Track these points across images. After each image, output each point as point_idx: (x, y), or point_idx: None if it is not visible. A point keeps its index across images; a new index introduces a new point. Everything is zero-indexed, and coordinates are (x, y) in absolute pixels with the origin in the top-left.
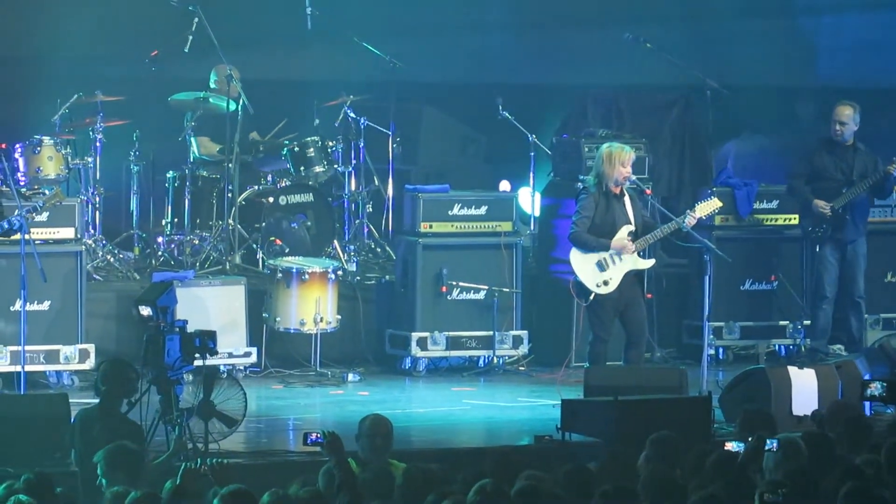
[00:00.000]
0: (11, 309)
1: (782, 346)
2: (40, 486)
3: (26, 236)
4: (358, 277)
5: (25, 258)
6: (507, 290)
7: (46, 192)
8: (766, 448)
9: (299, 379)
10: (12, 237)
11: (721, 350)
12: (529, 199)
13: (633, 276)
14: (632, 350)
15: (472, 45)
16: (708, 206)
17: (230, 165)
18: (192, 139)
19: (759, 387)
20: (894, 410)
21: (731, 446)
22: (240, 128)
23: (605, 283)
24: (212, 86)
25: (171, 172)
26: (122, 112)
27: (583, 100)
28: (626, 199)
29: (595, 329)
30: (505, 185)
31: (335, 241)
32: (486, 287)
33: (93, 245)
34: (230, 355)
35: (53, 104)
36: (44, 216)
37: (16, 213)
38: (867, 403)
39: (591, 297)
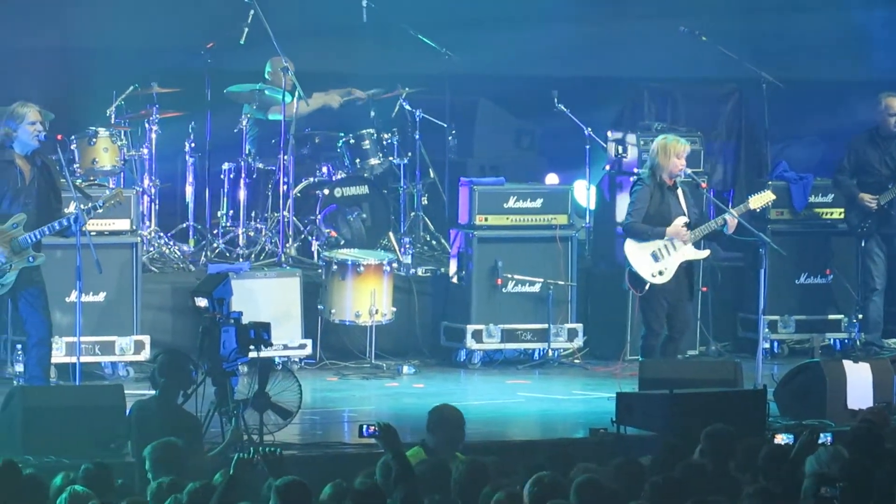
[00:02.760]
0: (67, 300)
1: (837, 340)
2: (99, 476)
3: (82, 228)
4: (413, 270)
5: (81, 250)
6: (562, 282)
7: (104, 185)
8: (820, 442)
9: (354, 371)
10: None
11: (776, 344)
12: (584, 192)
13: (684, 271)
14: (670, 345)
15: (527, 37)
16: (761, 199)
17: (285, 157)
18: (248, 130)
19: (814, 381)
20: None
21: (780, 439)
22: (295, 118)
23: (661, 272)
24: (267, 77)
25: (226, 164)
26: (177, 104)
27: (638, 93)
28: (680, 191)
29: (649, 322)
30: (552, 178)
31: (390, 234)
32: (542, 280)
33: (148, 236)
34: (285, 347)
35: (109, 96)
36: (101, 210)
37: (72, 209)
38: None
39: (647, 288)
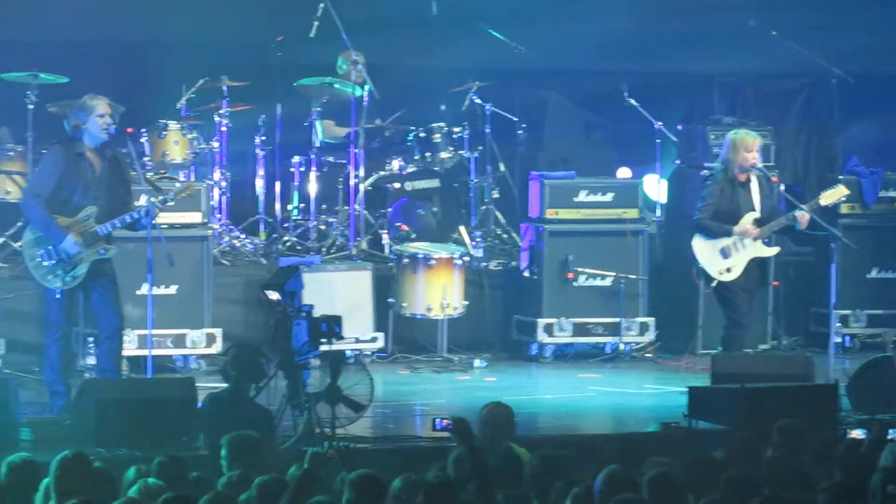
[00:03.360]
0: (138, 293)
1: None
2: (173, 469)
3: (153, 220)
4: (484, 263)
5: (152, 243)
6: (634, 276)
7: (175, 178)
8: (889, 437)
9: (426, 364)
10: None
11: (847, 338)
12: (655, 186)
13: (756, 266)
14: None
15: (597, 31)
16: (833, 195)
17: (356, 150)
18: (318, 124)
19: (886, 375)
20: None
21: (856, 434)
22: (365, 113)
23: (728, 270)
24: (338, 71)
25: (297, 157)
26: (247, 97)
27: (708, 87)
28: (753, 185)
29: (727, 312)
30: (624, 172)
31: (461, 227)
32: (613, 274)
33: (219, 229)
34: (357, 340)
35: (179, 89)
36: (171, 203)
37: (143, 202)
38: None
39: (714, 284)
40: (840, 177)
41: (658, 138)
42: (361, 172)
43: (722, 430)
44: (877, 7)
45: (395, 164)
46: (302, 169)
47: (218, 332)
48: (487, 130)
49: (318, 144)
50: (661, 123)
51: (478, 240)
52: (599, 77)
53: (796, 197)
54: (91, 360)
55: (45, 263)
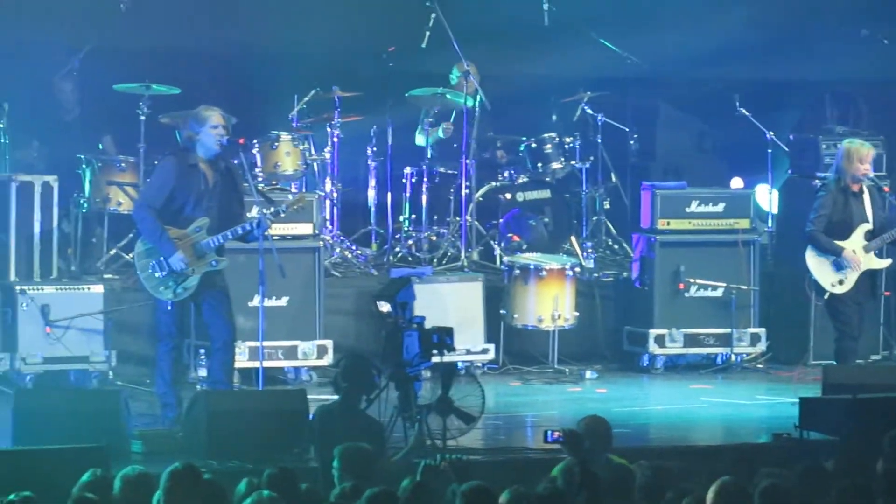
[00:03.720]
0: (249, 305)
1: None
2: (284, 481)
3: (265, 232)
4: (596, 274)
5: (264, 254)
6: (745, 287)
7: (286, 190)
8: None
9: (537, 376)
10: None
11: None
12: (767, 196)
13: (867, 277)
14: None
15: (709, 40)
16: None
17: (468, 161)
18: (427, 133)
19: None
20: None
21: None
22: (477, 124)
23: (840, 282)
24: (451, 81)
25: (408, 168)
26: (359, 107)
27: (820, 96)
28: (866, 196)
29: (838, 325)
30: (737, 182)
31: (572, 238)
32: (724, 284)
33: (331, 241)
34: (468, 352)
35: (291, 100)
36: (283, 215)
37: (255, 213)
38: None
39: (826, 296)
40: None
41: (769, 148)
42: (473, 183)
43: (833, 441)
44: None
45: (507, 174)
46: (413, 180)
47: (329, 343)
48: (599, 140)
49: (429, 156)
50: (772, 133)
51: (589, 250)
52: (711, 86)
53: None
54: (202, 372)
55: (156, 275)
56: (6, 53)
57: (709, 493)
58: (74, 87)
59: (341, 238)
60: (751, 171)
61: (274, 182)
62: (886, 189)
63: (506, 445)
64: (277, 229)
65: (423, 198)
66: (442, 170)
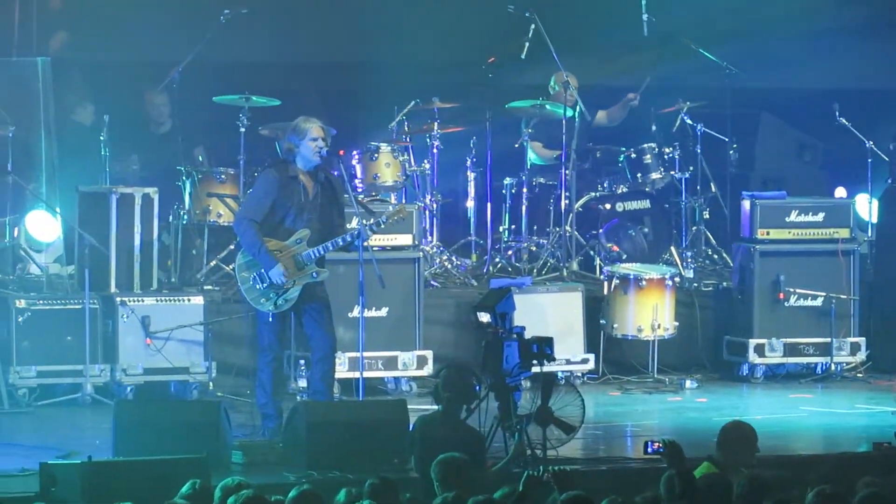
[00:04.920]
0: (350, 315)
1: None
2: (385, 491)
3: (365, 243)
4: (695, 284)
5: (364, 265)
6: (845, 296)
7: (386, 201)
8: None
9: (637, 385)
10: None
11: None
12: (867, 206)
13: None
14: None
15: (809, 49)
16: None
17: (567, 172)
18: (528, 145)
19: None
20: None
21: None
22: (576, 134)
23: None
24: (550, 92)
25: (507, 179)
26: (458, 118)
27: None
28: None
29: None
30: (841, 192)
31: (672, 248)
32: (824, 294)
33: (430, 251)
34: (568, 362)
35: (391, 111)
36: (384, 226)
37: (355, 225)
38: None
39: None
40: None
41: (869, 157)
42: (573, 193)
43: None
44: None
45: (606, 184)
46: (513, 190)
47: (429, 354)
48: (698, 151)
49: (529, 166)
50: (871, 142)
51: (689, 260)
52: (811, 96)
53: None
54: (303, 383)
55: (257, 287)
56: (106, 65)
57: (807, 501)
58: (167, 100)
59: (441, 249)
60: (851, 180)
61: (374, 193)
62: None
63: (605, 455)
64: (377, 240)
65: (523, 208)
66: (541, 180)
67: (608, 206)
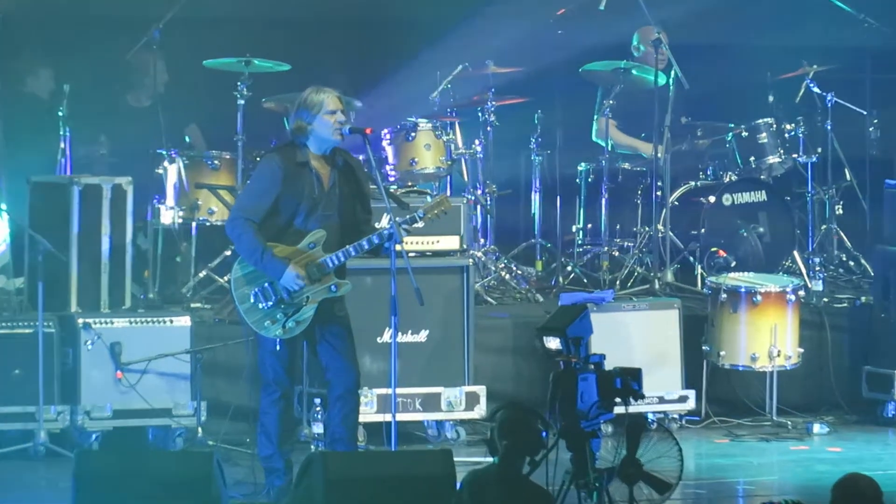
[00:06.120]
0: (379, 340)
1: None
2: None
3: (397, 247)
4: (825, 299)
5: (396, 275)
6: None
7: (425, 192)
8: None
9: (750, 430)
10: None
11: None
12: None
13: None
14: None
15: None
16: None
17: (660, 156)
18: (598, 124)
19: None
20: None
21: None
22: (671, 107)
23: None
24: (634, 53)
25: (583, 165)
26: (519, 87)
27: None
28: None
29: None
30: None
31: (795, 253)
32: None
33: (483, 258)
34: (661, 400)
35: (432, 78)
36: (420, 223)
37: (385, 223)
38: None
39: None
40: None
41: None
42: (666, 183)
43: None
44: None
45: (709, 171)
46: (590, 179)
47: (481, 390)
48: (828, 128)
49: (609, 148)
50: None
51: (817, 269)
52: None
53: None
54: (318, 429)
55: (260, 306)
56: (67, 21)
57: None
58: (156, 63)
59: (497, 254)
60: None
61: (410, 183)
62: None
63: None
64: (414, 243)
65: (602, 202)
66: (626, 166)
67: (712, 198)
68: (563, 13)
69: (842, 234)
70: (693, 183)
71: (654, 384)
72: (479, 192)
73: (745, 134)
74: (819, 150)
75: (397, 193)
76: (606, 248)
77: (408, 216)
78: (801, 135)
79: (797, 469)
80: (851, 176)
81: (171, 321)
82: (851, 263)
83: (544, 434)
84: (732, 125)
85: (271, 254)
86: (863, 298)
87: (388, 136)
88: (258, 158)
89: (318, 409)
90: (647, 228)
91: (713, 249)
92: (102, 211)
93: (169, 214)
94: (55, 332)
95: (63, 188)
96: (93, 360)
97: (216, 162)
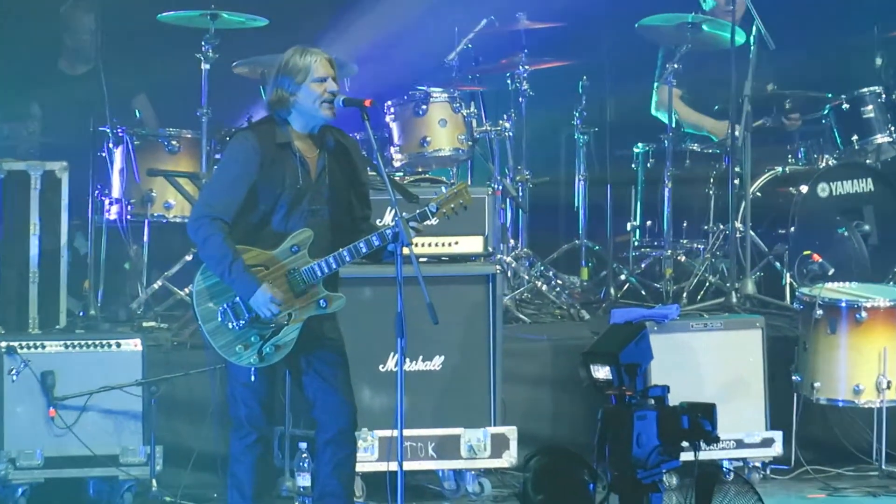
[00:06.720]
0: (381, 368)
1: None
2: None
3: (404, 250)
4: None
5: (402, 286)
6: None
7: (439, 180)
8: None
9: (853, 482)
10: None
11: None
12: None
13: None
14: None
15: None
16: None
17: (738, 135)
18: (671, 90)
19: None
20: None
21: None
22: (751, 73)
23: None
24: (703, 6)
25: (640, 146)
26: (557, 48)
27: None
28: None
29: None
30: None
31: None
32: None
33: (513, 264)
34: (739, 444)
35: (449, 36)
36: (433, 220)
37: (389, 219)
38: None
39: None
40: None
41: None
42: (746, 169)
43: None
44: None
45: (800, 154)
46: (648, 164)
47: (511, 431)
48: None
49: (672, 125)
50: None
51: None
52: None
53: None
54: (304, 481)
55: (230, 326)
56: None
57: None
58: (95, 19)
59: (531, 259)
60: None
61: (420, 168)
62: None
63: None
64: (425, 245)
65: (665, 193)
66: (695, 147)
67: (804, 188)
68: None
69: None
70: (780, 169)
71: (731, 424)
72: (509, 180)
73: (846, 107)
74: None
75: (404, 182)
76: (670, 252)
77: (417, 211)
78: None
79: None
80: None
81: (118, 345)
82: None
83: (591, 487)
84: (830, 95)
85: (242, 266)
86: None
87: (392, 110)
88: (228, 138)
89: (304, 455)
90: (721, 226)
91: (806, 253)
92: (30, 205)
93: (115, 209)
94: None
95: None
96: (18, 395)
97: (174, 143)
